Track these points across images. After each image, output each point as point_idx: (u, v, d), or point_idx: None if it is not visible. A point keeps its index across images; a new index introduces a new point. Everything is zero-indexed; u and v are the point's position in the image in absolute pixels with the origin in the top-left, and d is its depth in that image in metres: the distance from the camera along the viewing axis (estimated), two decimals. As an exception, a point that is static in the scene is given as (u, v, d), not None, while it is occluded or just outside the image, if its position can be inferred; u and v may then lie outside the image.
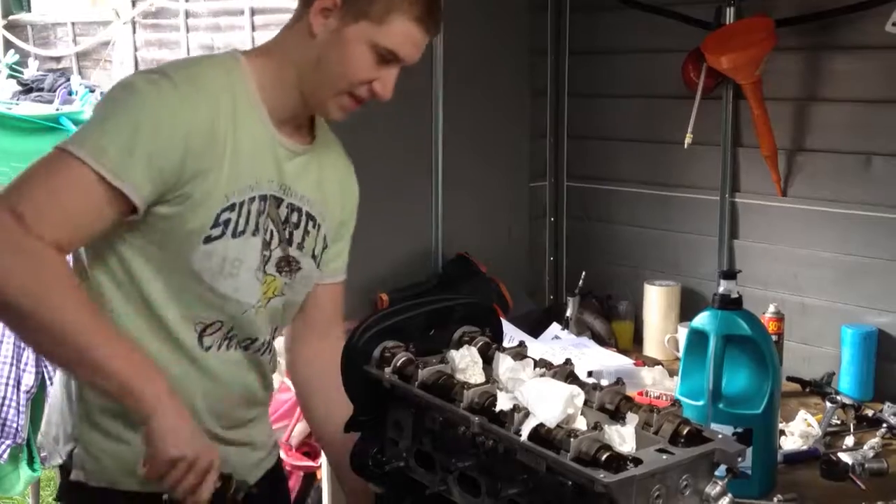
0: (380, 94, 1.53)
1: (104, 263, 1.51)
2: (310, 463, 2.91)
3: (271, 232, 1.57)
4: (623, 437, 1.12)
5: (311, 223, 1.64)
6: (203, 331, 1.56)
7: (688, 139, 2.80)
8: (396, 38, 1.49)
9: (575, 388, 1.21)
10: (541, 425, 1.17)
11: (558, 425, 1.15)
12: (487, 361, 1.40)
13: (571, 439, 1.12)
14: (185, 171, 1.45)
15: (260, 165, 1.54)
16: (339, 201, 1.72)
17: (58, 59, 5.00)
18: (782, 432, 2.19)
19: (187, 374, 1.56)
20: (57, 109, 3.90)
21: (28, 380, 3.37)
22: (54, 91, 4.37)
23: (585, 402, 1.27)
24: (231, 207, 1.50)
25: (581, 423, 1.18)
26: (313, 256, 1.67)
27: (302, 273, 1.65)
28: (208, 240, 1.49)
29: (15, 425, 3.37)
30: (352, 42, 1.48)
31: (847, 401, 2.37)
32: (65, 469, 1.59)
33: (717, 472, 1.18)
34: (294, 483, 2.94)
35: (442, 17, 1.54)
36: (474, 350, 1.39)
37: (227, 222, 1.49)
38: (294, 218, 1.61)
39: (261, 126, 1.53)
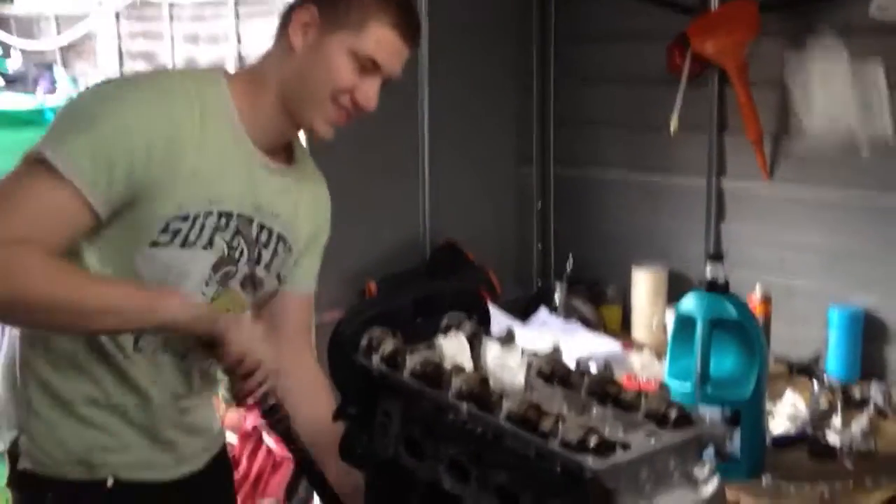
0: (363, 105, 1.55)
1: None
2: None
3: (241, 250, 1.58)
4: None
5: (281, 244, 1.65)
6: (140, 335, 1.56)
7: (674, 124, 2.80)
8: (374, 45, 1.51)
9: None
10: (529, 408, 1.17)
11: (545, 410, 1.15)
12: (475, 348, 1.40)
13: (559, 425, 1.12)
14: (143, 175, 1.45)
15: (230, 183, 1.53)
16: (312, 219, 1.72)
17: (41, 52, 4.96)
18: (770, 414, 2.21)
19: (116, 370, 1.56)
20: (40, 102, 3.87)
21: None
22: (38, 84, 4.34)
23: (573, 388, 1.28)
24: (184, 218, 1.49)
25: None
26: (278, 277, 1.68)
27: (265, 290, 1.67)
28: (154, 244, 1.49)
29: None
30: (332, 52, 1.51)
31: (834, 382, 2.39)
32: (13, 456, 1.59)
33: (705, 455, 1.18)
34: (285, 472, 2.95)
35: (419, 27, 1.58)
36: (462, 337, 1.39)
37: (177, 231, 1.49)
38: (264, 237, 1.61)
39: (236, 145, 1.54)
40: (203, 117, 1.49)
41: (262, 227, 1.60)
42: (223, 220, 1.54)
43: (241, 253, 1.58)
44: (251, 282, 1.63)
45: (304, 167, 1.70)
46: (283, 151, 1.64)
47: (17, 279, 1.36)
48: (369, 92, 1.54)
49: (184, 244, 1.50)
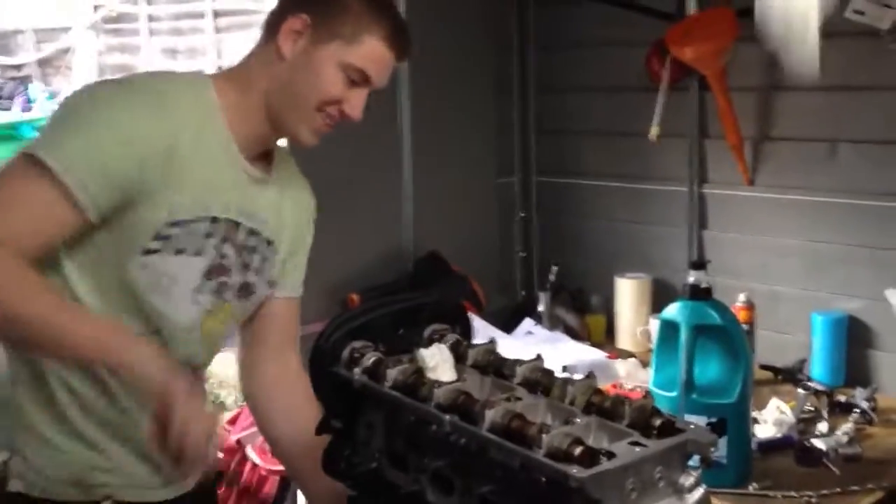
0: (350, 115, 1.53)
1: (44, 273, 1.47)
2: (281, 467, 2.89)
3: (231, 256, 1.57)
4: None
5: (269, 248, 1.64)
6: None
7: (654, 131, 2.81)
8: (367, 58, 1.50)
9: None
10: (513, 418, 1.16)
11: (529, 420, 1.14)
12: (459, 359, 1.38)
13: (543, 435, 1.11)
14: (137, 182, 1.43)
15: (219, 190, 1.53)
16: (296, 222, 1.71)
17: (19, 67, 4.94)
18: (756, 420, 2.20)
19: (104, 386, 1.54)
20: (17, 117, 3.85)
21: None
22: (13, 99, 4.32)
23: (558, 396, 1.27)
24: (175, 224, 1.48)
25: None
26: (269, 281, 1.67)
27: (255, 296, 1.66)
28: (147, 252, 1.47)
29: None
30: (323, 62, 1.49)
31: (819, 387, 2.39)
32: (2, 479, 1.55)
33: (690, 463, 1.17)
34: (269, 488, 2.93)
35: (411, 42, 1.57)
36: (444, 348, 1.37)
37: (168, 238, 1.48)
38: (252, 242, 1.60)
39: (224, 151, 1.53)
40: (198, 125, 1.49)
41: (249, 232, 1.59)
42: (213, 227, 1.53)
43: (232, 260, 1.57)
44: (245, 290, 1.62)
45: (285, 171, 1.68)
46: (265, 156, 1.62)
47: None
48: (357, 103, 1.53)
49: (176, 251, 1.49)
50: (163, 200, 1.46)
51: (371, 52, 1.50)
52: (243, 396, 1.83)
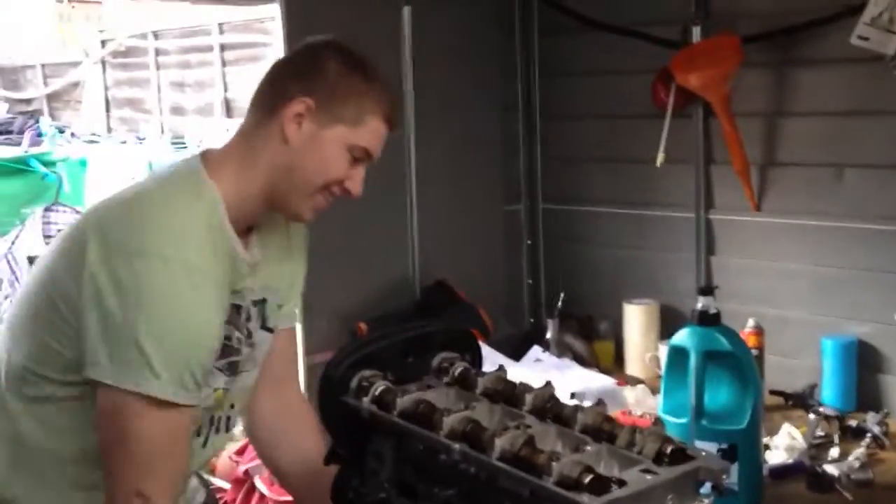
0: (352, 193, 1.55)
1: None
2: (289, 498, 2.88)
3: (236, 337, 1.56)
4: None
5: (262, 306, 1.63)
6: None
7: (660, 158, 2.81)
8: (369, 138, 1.53)
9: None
10: (524, 446, 1.15)
11: (539, 448, 1.14)
12: (468, 387, 1.38)
13: (553, 463, 1.10)
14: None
15: (225, 288, 1.51)
16: (286, 263, 1.69)
17: (28, 102, 4.98)
18: (767, 446, 2.19)
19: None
20: (25, 151, 3.87)
21: None
22: (23, 133, 4.35)
23: (568, 425, 1.26)
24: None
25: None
26: (269, 330, 1.66)
27: (259, 349, 1.64)
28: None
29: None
30: (329, 145, 1.50)
31: (830, 412, 2.37)
32: None
33: (702, 490, 1.16)
34: (278, 518, 2.91)
35: (402, 113, 1.58)
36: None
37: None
38: (251, 313, 1.60)
39: (229, 252, 1.51)
40: (216, 252, 1.47)
41: (246, 306, 1.59)
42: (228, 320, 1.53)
43: (236, 336, 1.57)
44: (252, 352, 1.62)
45: (266, 224, 1.62)
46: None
47: None
48: (359, 180, 1.55)
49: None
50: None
51: (374, 131, 1.53)
52: (245, 432, 1.83)
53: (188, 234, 1.43)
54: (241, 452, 3.03)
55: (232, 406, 1.63)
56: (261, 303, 1.62)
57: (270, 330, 1.67)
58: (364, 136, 1.52)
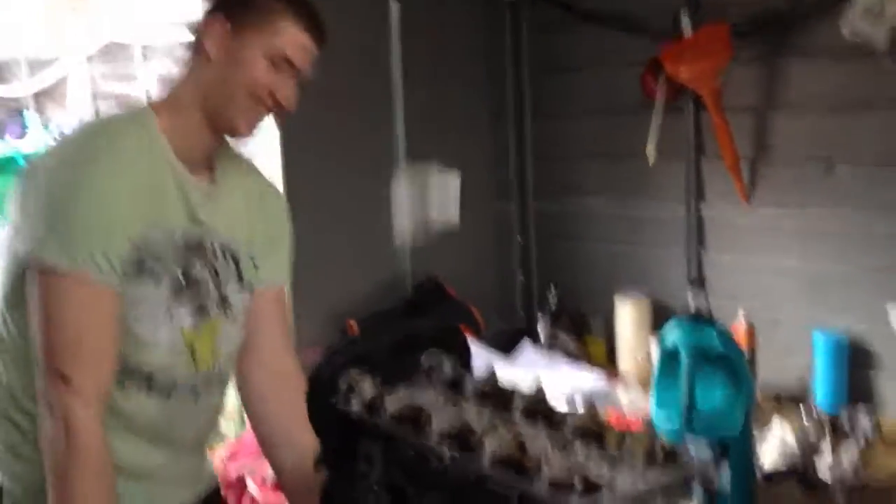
0: (284, 105, 1.61)
1: None
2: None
3: (201, 273, 1.61)
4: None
5: (231, 252, 1.68)
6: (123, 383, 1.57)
7: (650, 149, 2.80)
8: (287, 44, 1.58)
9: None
10: (514, 449, 1.14)
11: (528, 451, 1.12)
12: (457, 388, 1.37)
13: (544, 465, 1.09)
14: (127, 245, 1.52)
15: (177, 213, 1.59)
16: (259, 220, 1.74)
17: (15, 99, 4.94)
18: (759, 447, 2.17)
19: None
20: (12, 148, 3.85)
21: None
22: (7, 129, 4.33)
23: (559, 428, 1.25)
24: (145, 251, 1.54)
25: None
26: (241, 282, 1.69)
27: (236, 307, 1.68)
28: (123, 281, 1.52)
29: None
30: (247, 53, 1.57)
31: (822, 413, 2.36)
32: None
33: (693, 493, 1.15)
34: (270, 519, 2.89)
35: (325, 27, 1.64)
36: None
37: (141, 264, 1.54)
38: (218, 254, 1.65)
39: (175, 178, 1.59)
40: (151, 165, 1.56)
41: (211, 245, 1.64)
42: (179, 249, 1.58)
43: (205, 276, 1.62)
44: (224, 302, 1.65)
45: (231, 172, 1.71)
46: (207, 165, 1.67)
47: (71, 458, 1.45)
48: (287, 92, 1.60)
49: (150, 275, 1.54)
50: (137, 235, 1.53)
51: (291, 38, 1.58)
52: (245, 411, 1.83)
53: (123, 140, 1.54)
54: (233, 457, 3.00)
55: (216, 364, 1.66)
56: (230, 251, 1.66)
57: (248, 287, 1.70)
58: (280, 42, 1.58)
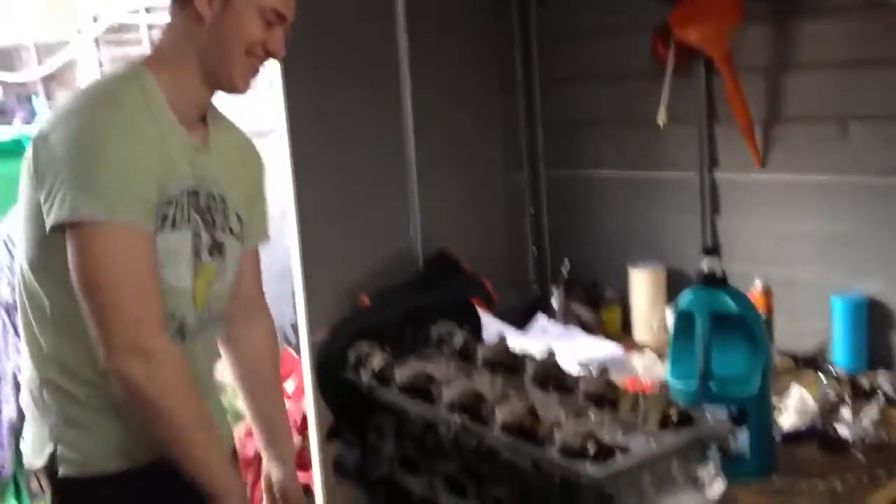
0: (274, 53, 1.68)
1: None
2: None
3: (197, 221, 1.68)
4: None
5: (223, 205, 1.75)
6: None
7: (662, 117, 2.76)
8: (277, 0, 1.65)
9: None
10: (525, 416, 1.12)
11: (540, 417, 1.11)
12: (467, 358, 1.35)
13: (556, 431, 1.07)
14: (161, 190, 1.59)
15: (180, 164, 1.65)
16: (242, 175, 1.83)
17: (23, 84, 4.93)
18: (778, 409, 2.15)
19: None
20: (19, 132, 3.84)
21: (9, 412, 3.31)
22: (16, 114, 4.32)
23: (570, 392, 1.23)
24: (168, 202, 1.61)
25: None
26: (234, 234, 1.77)
27: (230, 254, 1.76)
28: (155, 234, 1.59)
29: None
30: (240, 12, 1.62)
31: (842, 373, 2.33)
32: (51, 471, 1.65)
33: (709, 455, 1.13)
34: (287, 495, 2.89)
35: None
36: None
37: (165, 216, 1.61)
38: (212, 204, 1.72)
39: (173, 130, 1.65)
40: (156, 119, 1.62)
41: (208, 195, 1.70)
42: (186, 198, 1.65)
43: (198, 222, 1.68)
44: (217, 248, 1.72)
45: (220, 130, 1.79)
46: (201, 122, 1.74)
47: (161, 400, 1.53)
48: (278, 41, 1.67)
49: (173, 226, 1.62)
50: (160, 186, 1.60)
51: None
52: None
53: (124, 99, 1.59)
54: (250, 434, 3.00)
55: (207, 306, 1.72)
56: (222, 201, 1.73)
57: (239, 239, 1.78)
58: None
